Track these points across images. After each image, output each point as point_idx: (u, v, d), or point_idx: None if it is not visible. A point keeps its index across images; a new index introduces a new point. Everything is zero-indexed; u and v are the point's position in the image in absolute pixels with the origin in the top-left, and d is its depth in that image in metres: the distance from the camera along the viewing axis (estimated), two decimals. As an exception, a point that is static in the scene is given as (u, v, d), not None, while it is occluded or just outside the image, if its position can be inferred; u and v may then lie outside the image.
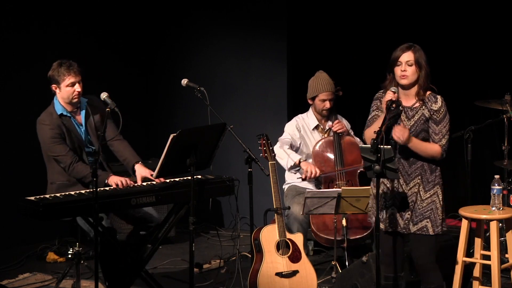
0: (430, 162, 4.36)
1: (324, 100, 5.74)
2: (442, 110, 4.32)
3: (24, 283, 5.57)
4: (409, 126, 4.34)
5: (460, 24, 6.78)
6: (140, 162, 4.95)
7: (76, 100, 4.86)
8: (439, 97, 4.35)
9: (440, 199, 4.37)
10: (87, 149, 4.93)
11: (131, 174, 4.98)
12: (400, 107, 4.37)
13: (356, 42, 7.04)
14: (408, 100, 4.39)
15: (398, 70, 4.33)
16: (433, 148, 4.32)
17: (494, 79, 6.69)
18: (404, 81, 4.33)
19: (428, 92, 4.36)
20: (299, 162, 5.56)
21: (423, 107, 4.34)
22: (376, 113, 4.45)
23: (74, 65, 4.87)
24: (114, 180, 4.72)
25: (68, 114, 4.90)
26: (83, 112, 4.94)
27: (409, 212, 4.36)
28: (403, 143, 4.25)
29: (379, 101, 4.46)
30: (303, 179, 5.56)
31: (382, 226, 4.42)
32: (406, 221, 4.36)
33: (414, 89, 4.36)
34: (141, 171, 4.88)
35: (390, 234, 4.44)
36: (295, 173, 5.76)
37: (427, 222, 4.33)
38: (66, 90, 4.83)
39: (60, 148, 4.82)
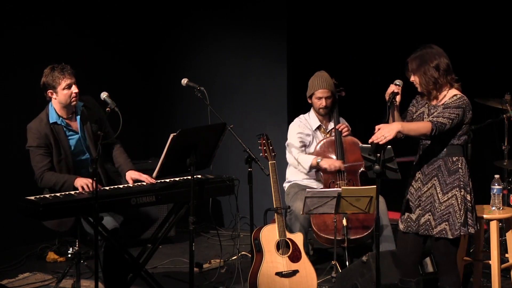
0: (448, 164, 4.32)
1: (320, 98, 5.71)
2: (452, 102, 4.25)
3: (24, 283, 5.57)
4: None
5: (460, 24, 6.77)
6: (132, 169, 4.94)
7: (74, 101, 4.80)
8: (457, 95, 4.29)
9: (459, 202, 4.29)
10: (80, 157, 4.87)
11: (123, 179, 4.98)
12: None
13: (356, 42, 7.04)
14: (436, 101, 4.38)
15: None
16: (423, 125, 4.22)
17: (494, 79, 6.68)
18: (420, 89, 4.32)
19: (455, 92, 4.31)
20: (317, 162, 5.54)
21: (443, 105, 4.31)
22: (411, 109, 4.45)
23: (67, 67, 4.78)
24: (79, 183, 4.64)
25: (62, 123, 4.82)
26: (78, 118, 4.87)
27: (429, 214, 4.32)
28: (398, 136, 4.16)
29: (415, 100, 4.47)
30: (324, 172, 5.55)
31: (401, 226, 4.42)
32: (428, 223, 4.32)
33: (436, 91, 4.32)
34: (131, 173, 4.88)
35: (409, 235, 4.42)
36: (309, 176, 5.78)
37: (446, 225, 4.28)
38: (63, 93, 4.75)
39: (38, 159, 4.75)
